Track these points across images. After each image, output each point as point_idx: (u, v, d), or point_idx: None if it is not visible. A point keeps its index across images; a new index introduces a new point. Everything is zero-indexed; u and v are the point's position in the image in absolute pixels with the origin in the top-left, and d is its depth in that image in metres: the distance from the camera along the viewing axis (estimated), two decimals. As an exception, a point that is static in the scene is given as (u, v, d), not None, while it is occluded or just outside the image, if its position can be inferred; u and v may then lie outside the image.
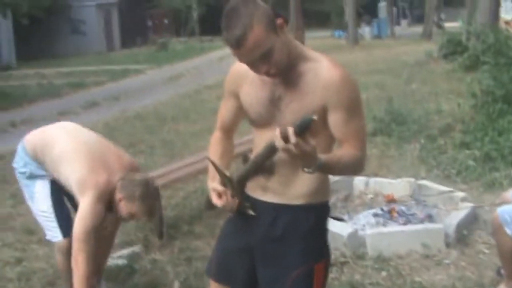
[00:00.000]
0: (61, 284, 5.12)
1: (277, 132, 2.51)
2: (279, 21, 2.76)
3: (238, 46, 2.69)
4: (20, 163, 4.85)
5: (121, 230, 6.48)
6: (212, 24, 51.86)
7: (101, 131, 12.03)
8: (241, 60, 2.78)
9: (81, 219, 4.31)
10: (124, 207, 4.44)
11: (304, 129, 2.48)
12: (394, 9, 50.78)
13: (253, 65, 2.79)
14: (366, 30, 41.29)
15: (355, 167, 2.94)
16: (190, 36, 50.06)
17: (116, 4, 45.18)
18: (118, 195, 4.42)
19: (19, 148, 4.89)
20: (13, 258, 6.16)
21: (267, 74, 2.81)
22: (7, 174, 9.18)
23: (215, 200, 2.98)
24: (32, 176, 4.79)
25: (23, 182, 4.89)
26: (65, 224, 4.71)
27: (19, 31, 31.24)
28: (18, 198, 8.12)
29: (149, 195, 4.50)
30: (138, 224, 6.67)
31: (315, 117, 2.48)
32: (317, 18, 55.16)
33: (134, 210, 4.43)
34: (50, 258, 5.85)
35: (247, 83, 3.02)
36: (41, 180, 4.76)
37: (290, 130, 2.46)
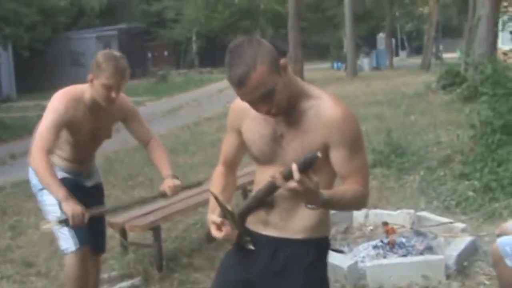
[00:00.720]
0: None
1: (279, 170, 2.55)
2: (283, 61, 2.79)
3: (240, 85, 2.71)
4: (31, 176, 4.80)
5: (120, 262, 6.51)
6: (211, 56, 52.26)
7: (101, 163, 12.02)
8: (243, 99, 2.80)
9: (44, 118, 4.47)
10: (95, 84, 4.43)
11: (308, 166, 2.51)
12: (393, 40, 51.02)
13: (254, 104, 2.81)
14: (365, 62, 41.41)
15: (358, 203, 2.96)
16: (190, 68, 50.23)
17: (116, 36, 45.37)
18: (90, 79, 4.48)
19: None
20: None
21: (268, 113, 2.84)
22: (6, 206, 9.21)
23: (215, 232, 2.99)
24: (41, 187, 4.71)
25: (37, 197, 4.83)
26: (79, 233, 4.61)
27: (19, 63, 31.36)
28: (17, 230, 8.15)
29: (113, 56, 4.48)
30: (137, 257, 6.66)
31: (319, 155, 2.53)
32: (316, 50, 55.42)
33: (103, 76, 4.38)
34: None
35: (249, 119, 3.04)
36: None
37: (294, 167, 2.49)
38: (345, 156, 2.87)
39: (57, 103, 4.51)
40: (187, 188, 5.38)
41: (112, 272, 6.39)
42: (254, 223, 3.08)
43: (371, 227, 7.02)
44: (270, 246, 3.04)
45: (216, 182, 3.29)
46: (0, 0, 20.87)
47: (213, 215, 3.03)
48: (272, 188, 2.75)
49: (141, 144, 5.12)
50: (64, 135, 4.55)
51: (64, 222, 4.30)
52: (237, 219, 2.95)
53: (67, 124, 4.48)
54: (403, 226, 6.72)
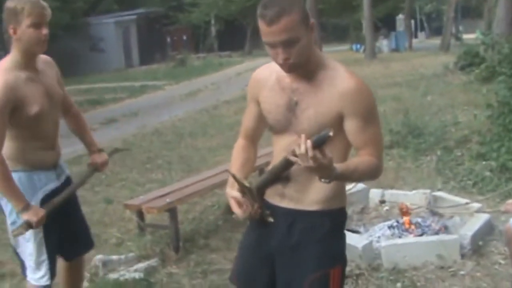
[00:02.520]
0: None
1: (296, 144, 2.62)
2: (312, 22, 2.87)
3: (270, 23, 2.77)
4: None
5: (137, 244, 6.57)
6: (230, 39, 52.24)
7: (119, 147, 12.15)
8: (267, 38, 2.83)
9: None
10: (20, 32, 3.95)
11: (320, 143, 2.59)
12: (412, 22, 50.73)
13: (275, 47, 2.84)
14: (384, 43, 41.23)
15: (372, 174, 3.02)
16: (209, 52, 50.21)
17: (134, 21, 45.45)
18: (12, 33, 3.97)
19: None
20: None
21: (285, 62, 2.87)
22: None
23: (235, 209, 3.06)
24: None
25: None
26: (51, 264, 4.38)
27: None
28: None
29: None
30: (154, 238, 6.72)
31: (331, 133, 2.59)
32: (335, 32, 55.25)
33: (25, 16, 3.92)
34: None
35: (267, 90, 3.10)
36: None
37: (308, 144, 2.56)
38: (359, 127, 2.92)
39: None
40: (113, 153, 5.04)
41: (130, 253, 6.44)
42: (271, 196, 3.14)
43: (387, 207, 7.03)
44: (287, 218, 3.10)
45: (236, 156, 3.33)
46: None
47: (233, 191, 3.09)
48: (287, 163, 2.82)
49: (65, 113, 4.60)
50: (22, 115, 4.00)
51: (29, 225, 4.07)
52: (255, 194, 3.03)
53: (14, 103, 3.93)
54: (419, 207, 6.73)
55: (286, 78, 3.01)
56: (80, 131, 4.71)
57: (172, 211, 6.46)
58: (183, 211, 7.61)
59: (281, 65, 2.90)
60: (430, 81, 17.85)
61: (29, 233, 4.17)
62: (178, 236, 6.48)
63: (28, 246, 4.28)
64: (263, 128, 3.29)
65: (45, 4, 4.03)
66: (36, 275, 4.32)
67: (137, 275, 5.83)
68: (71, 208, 4.55)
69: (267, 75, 3.10)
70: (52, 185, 4.32)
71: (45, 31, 4.00)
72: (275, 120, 3.06)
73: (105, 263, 6.12)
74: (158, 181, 9.66)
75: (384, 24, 45.20)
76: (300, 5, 2.83)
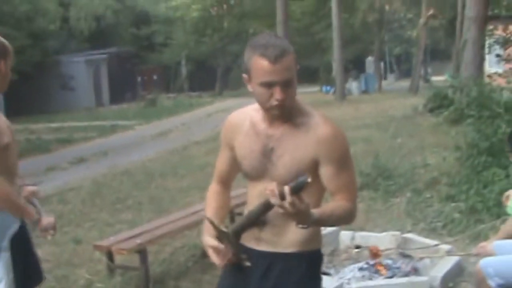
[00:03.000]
0: None
1: (272, 188, 2.62)
2: (297, 67, 2.93)
3: (275, 61, 2.80)
4: None
5: (107, 285, 6.52)
6: (201, 80, 52.44)
7: (89, 187, 12.07)
8: (269, 77, 2.84)
9: None
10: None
11: (298, 189, 2.60)
12: (382, 64, 51.21)
13: (272, 88, 2.86)
14: (353, 85, 41.50)
15: (347, 218, 3.05)
16: (179, 92, 50.31)
17: (105, 60, 45.42)
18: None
19: None
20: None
21: (281, 103, 2.87)
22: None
23: (214, 259, 3.06)
24: None
25: None
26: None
27: (8, 87, 31.30)
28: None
29: None
30: (124, 280, 6.67)
31: (309, 179, 2.61)
32: (305, 74, 55.52)
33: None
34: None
35: (242, 135, 3.11)
36: None
37: (287, 190, 2.57)
38: (334, 172, 2.95)
39: None
40: None
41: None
42: (247, 240, 3.13)
43: (357, 250, 7.03)
44: (264, 261, 3.11)
45: (210, 202, 3.34)
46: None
47: (210, 239, 3.08)
48: (265, 208, 2.82)
49: None
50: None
51: None
52: (232, 239, 3.02)
53: None
54: (389, 249, 6.74)
55: (261, 124, 3.03)
56: None
57: (142, 252, 6.42)
58: (153, 252, 7.55)
59: (273, 107, 2.91)
60: (399, 123, 17.98)
61: (2, 273, 4.06)
62: (148, 278, 6.43)
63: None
64: (236, 172, 3.29)
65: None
66: None
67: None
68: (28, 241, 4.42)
69: (241, 119, 3.11)
70: (16, 225, 4.16)
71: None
72: (250, 166, 3.07)
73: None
74: (128, 221, 9.58)
75: (354, 66, 45.63)
76: (291, 48, 2.88)
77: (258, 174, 3.06)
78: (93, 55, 44.90)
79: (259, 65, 2.83)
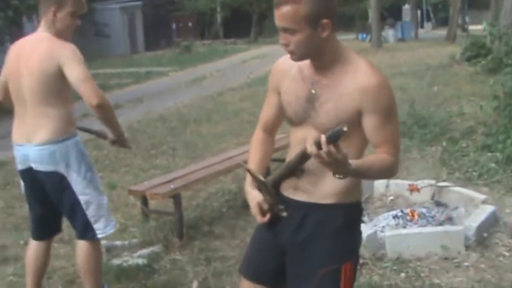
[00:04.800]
0: (80, 282, 5.13)
1: (309, 139, 2.59)
2: (325, 21, 2.82)
3: (275, 6, 2.82)
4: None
5: (141, 230, 6.57)
6: (235, 27, 52.19)
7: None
8: (275, 18, 2.87)
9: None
10: (58, 17, 4.37)
11: (334, 139, 2.56)
12: (418, 12, 50.56)
13: (280, 30, 2.88)
14: (390, 33, 41.08)
15: (387, 173, 3.01)
16: (214, 39, 50.17)
17: (140, 7, 45.35)
18: (53, 12, 4.37)
19: None
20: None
21: (285, 47, 2.89)
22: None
23: (257, 216, 3.11)
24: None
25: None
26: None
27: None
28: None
29: None
30: (158, 225, 6.72)
31: (345, 129, 2.56)
32: (341, 21, 55.08)
33: (70, 3, 4.36)
34: (70, 257, 5.88)
35: (288, 80, 3.09)
36: None
37: (323, 139, 2.54)
38: (377, 124, 2.89)
39: (76, 51, 4.45)
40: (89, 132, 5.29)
41: (133, 239, 6.45)
42: (285, 188, 3.12)
43: (391, 197, 7.01)
44: (300, 211, 3.08)
45: (254, 150, 3.35)
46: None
47: (256, 193, 3.12)
48: (303, 157, 2.81)
49: None
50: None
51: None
52: (270, 189, 3.04)
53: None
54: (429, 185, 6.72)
55: (308, 70, 2.99)
56: None
57: (176, 197, 6.46)
58: (187, 197, 7.60)
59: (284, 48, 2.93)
60: (436, 72, 17.78)
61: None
62: (182, 223, 6.47)
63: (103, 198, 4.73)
64: (282, 120, 3.27)
65: None
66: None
67: (140, 261, 5.84)
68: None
69: (289, 64, 3.06)
70: None
71: (79, 21, 4.46)
72: (294, 112, 3.04)
73: (108, 249, 6.12)
74: (162, 167, 9.65)
75: (390, 13, 45.05)
76: (313, 0, 2.78)
77: (300, 120, 3.03)
78: (128, 2, 44.79)
79: None
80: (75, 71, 4.33)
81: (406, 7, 47.11)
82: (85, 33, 40.31)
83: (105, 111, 4.44)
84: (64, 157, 4.46)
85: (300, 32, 2.81)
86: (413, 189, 6.55)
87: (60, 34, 4.35)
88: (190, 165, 8.10)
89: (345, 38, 40.17)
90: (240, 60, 30.78)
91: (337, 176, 2.74)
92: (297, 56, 2.91)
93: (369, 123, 2.89)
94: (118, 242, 6.29)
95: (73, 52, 4.35)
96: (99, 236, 4.70)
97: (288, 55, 2.99)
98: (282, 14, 2.79)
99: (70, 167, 4.49)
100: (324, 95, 2.93)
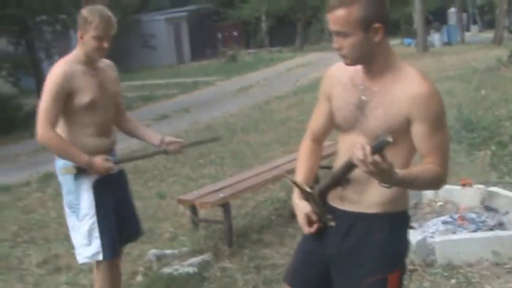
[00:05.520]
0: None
1: (355, 149, 2.60)
2: (377, 25, 2.85)
3: (328, 10, 2.84)
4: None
5: (191, 239, 6.64)
6: (281, 35, 52.20)
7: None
8: (329, 23, 2.89)
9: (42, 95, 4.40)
10: (85, 38, 4.44)
11: (380, 149, 2.56)
12: (464, 15, 50.10)
13: (333, 34, 2.90)
14: (435, 37, 40.78)
15: (434, 184, 2.99)
16: (259, 47, 50.27)
17: (185, 18, 45.68)
18: (79, 36, 4.46)
19: None
20: (87, 266, 6.31)
21: (338, 51, 2.92)
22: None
23: (304, 227, 3.13)
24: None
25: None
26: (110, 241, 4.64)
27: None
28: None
29: (96, 8, 4.51)
30: (207, 233, 6.77)
31: (390, 139, 2.55)
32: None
33: (91, 28, 4.40)
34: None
35: (340, 86, 3.10)
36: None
37: (368, 149, 2.55)
38: (426, 133, 2.87)
39: (51, 76, 4.43)
40: (199, 143, 5.50)
41: (183, 248, 6.51)
42: (331, 198, 3.13)
43: (440, 203, 6.97)
44: (347, 220, 3.08)
45: (302, 160, 3.35)
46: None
47: (304, 205, 3.14)
48: (349, 167, 2.81)
49: (118, 113, 4.88)
50: (76, 103, 4.44)
51: (81, 170, 4.45)
52: (318, 199, 3.06)
53: (69, 90, 4.38)
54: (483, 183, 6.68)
55: (359, 76, 3.01)
56: (139, 130, 5.00)
57: (225, 206, 6.50)
58: (236, 206, 7.65)
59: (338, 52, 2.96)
60: (483, 75, 17.62)
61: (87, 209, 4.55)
62: (231, 231, 6.52)
63: (81, 227, 4.62)
64: (331, 128, 3.27)
65: (112, 20, 4.52)
66: (87, 252, 4.62)
67: (190, 270, 5.89)
68: (124, 194, 4.85)
69: (341, 71, 3.09)
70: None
71: (106, 44, 4.47)
72: (343, 118, 3.05)
73: (159, 257, 6.20)
74: (211, 176, 9.72)
75: (436, 17, 44.72)
76: (366, 4, 2.81)
77: (349, 127, 3.04)
78: (173, 13, 45.21)
79: None
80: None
81: (452, 10, 46.74)
82: (132, 45, 40.83)
83: (48, 147, 4.44)
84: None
85: (353, 36, 2.83)
86: (465, 184, 6.51)
87: (87, 54, 4.49)
88: (238, 174, 8.14)
89: (390, 43, 40.05)
90: (286, 68, 30.82)
91: (383, 185, 2.73)
92: (350, 60, 2.93)
93: (418, 131, 2.88)
94: (168, 251, 6.36)
95: (48, 78, 4.45)
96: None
97: (341, 62, 3.02)
98: (335, 18, 2.81)
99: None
100: (374, 101, 2.94)
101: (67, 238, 7.20)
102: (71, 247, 6.77)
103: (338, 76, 3.11)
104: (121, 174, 4.82)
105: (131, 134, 4.98)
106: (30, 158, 13.69)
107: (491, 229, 6.02)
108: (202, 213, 7.17)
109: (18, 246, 7.29)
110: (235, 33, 53.18)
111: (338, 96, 3.09)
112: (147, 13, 45.00)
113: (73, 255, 6.48)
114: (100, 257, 4.57)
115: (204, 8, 49.61)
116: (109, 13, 4.51)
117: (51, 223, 8.00)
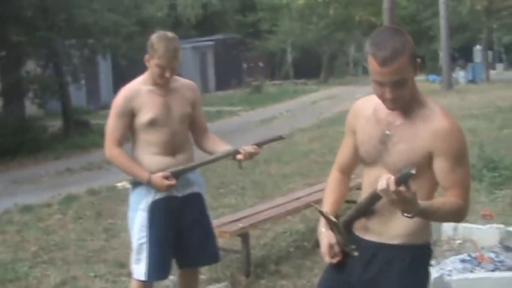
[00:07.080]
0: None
1: (380, 180, 2.65)
2: (418, 60, 2.93)
3: (384, 65, 2.82)
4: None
5: (208, 267, 6.66)
6: (306, 67, 52.37)
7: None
8: (378, 78, 2.88)
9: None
10: (151, 63, 4.61)
11: (404, 181, 2.61)
12: (490, 53, 50.02)
13: (383, 87, 2.89)
14: (460, 75, 40.77)
15: (456, 216, 3.03)
16: (284, 79, 50.45)
17: (212, 47, 45.92)
18: (147, 59, 4.64)
19: None
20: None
21: (391, 102, 2.93)
22: (102, 209, 9.53)
23: (326, 256, 3.18)
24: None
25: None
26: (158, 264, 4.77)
27: (117, 72, 32.16)
28: (111, 232, 8.41)
29: (165, 37, 4.63)
30: (225, 262, 6.79)
31: (413, 171, 2.59)
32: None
33: (156, 56, 4.54)
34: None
35: (363, 120, 3.16)
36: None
37: (392, 181, 2.60)
38: (448, 167, 2.92)
39: (116, 97, 4.74)
40: (267, 142, 5.58)
41: (200, 276, 6.53)
42: (356, 228, 3.17)
43: (459, 241, 6.96)
44: (370, 250, 3.12)
45: (330, 190, 3.39)
46: (102, 11, 21.43)
47: (327, 232, 3.18)
48: (374, 198, 2.87)
49: (197, 133, 5.08)
50: (138, 121, 4.63)
51: (136, 184, 4.64)
52: (343, 229, 3.10)
53: (132, 109, 4.62)
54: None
55: (383, 111, 3.04)
56: (217, 146, 5.14)
57: (244, 236, 6.54)
58: (255, 236, 7.67)
59: (385, 103, 2.95)
60: (507, 114, 17.60)
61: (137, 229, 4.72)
62: (249, 261, 6.54)
63: (133, 243, 4.78)
64: (357, 161, 3.31)
65: (178, 53, 4.65)
66: (135, 270, 4.79)
67: (208, 298, 5.90)
68: (193, 218, 4.92)
69: (366, 105, 3.15)
70: (156, 194, 4.69)
71: (167, 74, 4.58)
72: (366, 152, 3.11)
73: (176, 284, 6.21)
74: (231, 206, 9.75)
75: (461, 55, 44.75)
76: (410, 45, 2.87)
77: (372, 160, 3.08)
78: (200, 42, 45.43)
79: (371, 63, 2.86)
80: None
81: (477, 48, 46.68)
82: (157, 72, 40.96)
83: (113, 163, 4.79)
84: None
85: (409, 79, 2.89)
86: (486, 215, 6.50)
87: (152, 77, 4.67)
88: (258, 205, 8.17)
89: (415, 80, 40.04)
90: (310, 100, 30.90)
91: (405, 214, 2.76)
92: (400, 106, 2.96)
93: (440, 166, 2.93)
94: (186, 279, 6.38)
95: (115, 98, 4.77)
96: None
97: (366, 96, 3.07)
98: (393, 69, 2.81)
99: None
100: (397, 136, 2.99)
101: (86, 260, 7.33)
102: (89, 269, 6.92)
103: (363, 110, 3.17)
104: (190, 197, 4.88)
105: (211, 152, 5.08)
106: (52, 180, 13.80)
107: (509, 269, 6.00)
108: (221, 242, 7.18)
109: (37, 266, 7.33)
110: (260, 64, 53.41)
111: (362, 130, 3.15)
112: (174, 41, 45.25)
113: (90, 278, 6.60)
114: (143, 278, 4.72)
115: (231, 38, 49.86)
116: (176, 45, 4.63)
117: (71, 245, 8.06)
